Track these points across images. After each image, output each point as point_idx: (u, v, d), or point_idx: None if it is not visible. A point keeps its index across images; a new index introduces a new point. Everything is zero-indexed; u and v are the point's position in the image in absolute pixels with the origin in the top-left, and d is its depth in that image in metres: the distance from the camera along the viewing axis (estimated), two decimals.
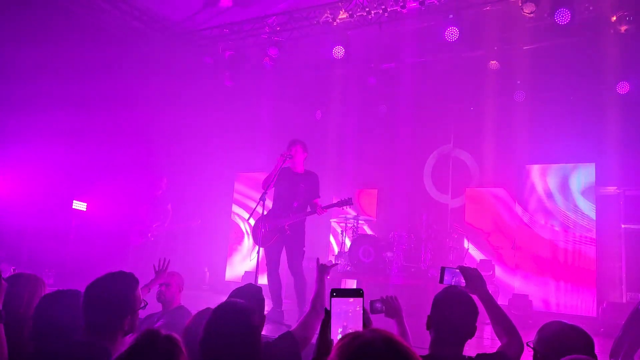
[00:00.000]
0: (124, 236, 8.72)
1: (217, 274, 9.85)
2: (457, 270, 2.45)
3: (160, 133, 9.08)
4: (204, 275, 9.49)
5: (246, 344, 1.88)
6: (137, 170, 8.75)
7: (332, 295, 1.45)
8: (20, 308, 2.52)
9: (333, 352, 1.13)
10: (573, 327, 2.02)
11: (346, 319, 1.44)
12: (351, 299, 1.45)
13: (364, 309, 1.47)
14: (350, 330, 1.42)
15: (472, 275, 2.42)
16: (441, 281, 2.46)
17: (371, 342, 1.10)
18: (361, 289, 1.48)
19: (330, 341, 1.44)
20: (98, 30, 8.25)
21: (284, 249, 5.65)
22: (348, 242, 8.13)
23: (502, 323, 2.39)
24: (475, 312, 2.26)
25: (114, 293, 2.15)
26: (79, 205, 7.99)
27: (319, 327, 1.55)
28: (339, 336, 1.43)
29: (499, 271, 7.76)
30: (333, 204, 5.62)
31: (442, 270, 2.47)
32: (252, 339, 1.91)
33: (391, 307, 2.67)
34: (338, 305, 1.45)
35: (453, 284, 2.42)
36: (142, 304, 2.26)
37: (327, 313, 1.46)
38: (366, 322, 1.48)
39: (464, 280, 2.42)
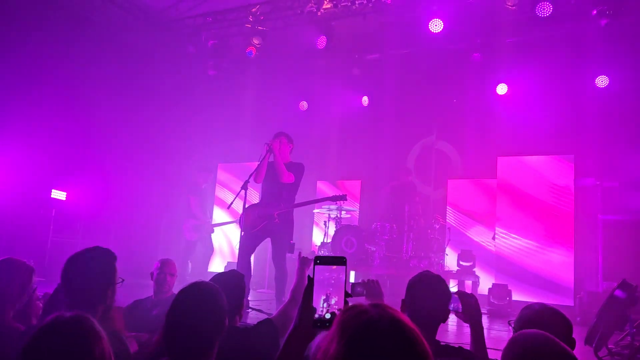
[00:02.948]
0: (105, 226, 8.65)
1: (200, 264, 9.79)
2: (455, 296, 2.40)
3: (141, 122, 8.98)
4: (187, 266, 9.42)
5: (212, 324, 1.87)
6: (117, 160, 8.65)
7: (315, 263, 1.44)
8: (13, 294, 2.48)
9: (335, 326, 1.11)
10: (553, 310, 2.06)
11: (329, 287, 1.44)
12: (334, 267, 1.45)
13: (346, 278, 1.47)
14: (333, 299, 1.43)
15: (470, 304, 2.37)
16: None
17: (377, 320, 1.07)
18: (344, 257, 1.47)
19: (313, 309, 1.44)
20: (79, 17, 8.09)
21: (265, 239, 5.63)
22: (331, 233, 8.16)
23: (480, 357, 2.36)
24: (447, 295, 2.30)
25: (94, 266, 2.20)
26: (58, 195, 7.88)
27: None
28: (322, 303, 1.43)
29: (479, 261, 7.86)
30: (327, 197, 5.62)
31: None
32: (218, 318, 1.89)
33: (372, 291, 2.69)
34: (321, 273, 1.45)
35: (451, 309, 2.36)
36: (120, 280, 2.27)
37: (310, 280, 1.45)
38: (348, 291, 1.48)
39: (461, 306, 2.37)
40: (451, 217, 8.64)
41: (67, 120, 7.75)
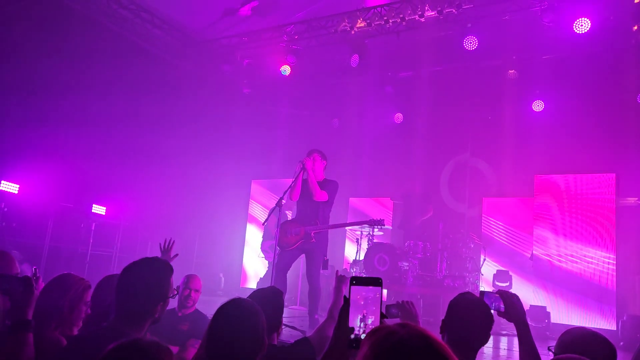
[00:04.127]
0: (142, 239, 8.86)
1: (232, 280, 9.90)
2: (497, 295, 2.36)
3: (178, 139, 9.20)
4: (219, 281, 9.54)
5: (251, 342, 1.86)
6: (154, 175, 8.87)
7: (351, 284, 1.47)
8: (63, 310, 2.46)
9: (366, 348, 1.12)
10: (595, 335, 1.98)
11: (365, 308, 1.46)
12: (370, 288, 1.47)
13: (382, 299, 1.48)
14: (370, 319, 1.44)
15: (513, 303, 2.33)
16: None
17: (408, 339, 1.08)
18: (380, 278, 1.49)
19: (349, 329, 1.45)
20: (120, 39, 8.42)
21: (300, 256, 5.65)
22: (363, 250, 8.11)
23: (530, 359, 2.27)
24: (490, 320, 2.23)
25: (151, 278, 2.14)
26: (99, 209, 8.14)
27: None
28: (358, 323, 1.45)
29: (516, 282, 7.66)
30: (365, 221, 5.62)
31: (481, 294, 2.37)
32: (257, 336, 1.89)
33: (407, 312, 2.64)
34: (357, 293, 1.47)
35: (493, 309, 2.32)
36: (173, 293, 2.25)
37: (346, 301, 1.48)
38: (383, 312, 1.49)
39: (503, 306, 2.34)
40: (487, 235, 8.47)
41: (108, 139, 8.02)
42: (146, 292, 2.10)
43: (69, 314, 2.48)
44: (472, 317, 2.18)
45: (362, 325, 1.45)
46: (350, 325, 1.45)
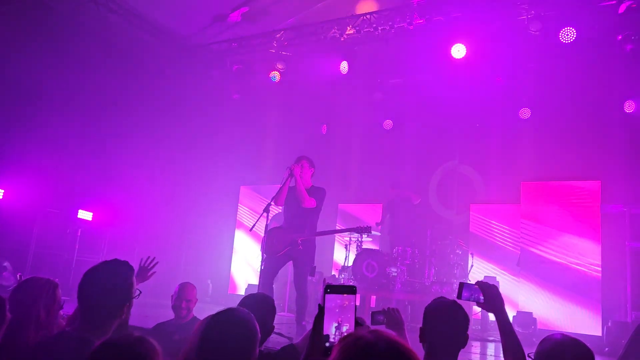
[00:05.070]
0: (129, 245, 8.79)
1: (220, 286, 9.83)
2: (476, 287, 2.35)
3: (166, 145, 9.16)
4: (207, 287, 9.48)
5: (245, 352, 1.84)
6: (142, 181, 8.82)
7: (325, 292, 1.48)
8: (39, 315, 2.43)
9: (334, 353, 1.15)
10: (574, 340, 2.00)
11: (340, 315, 1.47)
12: (345, 296, 1.48)
13: (356, 306, 1.49)
14: (345, 326, 1.45)
15: (491, 293, 2.32)
16: (459, 297, 2.36)
17: (374, 344, 1.12)
18: (354, 286, 1.50)
19: (324, 337, 1.45)
20: (108, 43, 8.37)
21: (287, 263, 5.62)
22: (352, 256, 8.11)
23: (512, 350, 2.24)
24: (466, 321, 2.25)
25: (113, 281, 2.11)
26: (85, 215, 8.05)
27: None
28: (333, 330, 1.45)
29: (502, 288, 7.69)
30: (351, 228, 5.63)
31: (461, 286, 2.36)
32: (250, 347, 1.86)
33: (393, 319, 2.66)
34: (332, 301, 1.47)
35: (472, 300, 2.34)
36: (137, 293, 2.22)
37: (321, 309, 1.49)
38: (358, 319, 1.50)
39: (482, 297, 2.33)
40: (474, 242, 8.51)
41: (95, 144, 7.97)
42: (109, 296, 2.07)
43: (47, 317, 2.45)
44: (447, 321, 2.21)
45: (337, 333, 1.45)
46: (326, 333, 1.46)
